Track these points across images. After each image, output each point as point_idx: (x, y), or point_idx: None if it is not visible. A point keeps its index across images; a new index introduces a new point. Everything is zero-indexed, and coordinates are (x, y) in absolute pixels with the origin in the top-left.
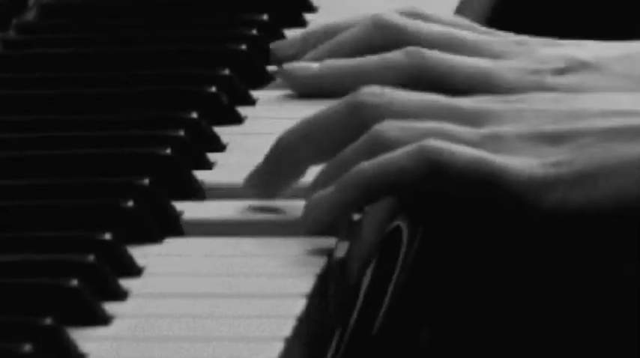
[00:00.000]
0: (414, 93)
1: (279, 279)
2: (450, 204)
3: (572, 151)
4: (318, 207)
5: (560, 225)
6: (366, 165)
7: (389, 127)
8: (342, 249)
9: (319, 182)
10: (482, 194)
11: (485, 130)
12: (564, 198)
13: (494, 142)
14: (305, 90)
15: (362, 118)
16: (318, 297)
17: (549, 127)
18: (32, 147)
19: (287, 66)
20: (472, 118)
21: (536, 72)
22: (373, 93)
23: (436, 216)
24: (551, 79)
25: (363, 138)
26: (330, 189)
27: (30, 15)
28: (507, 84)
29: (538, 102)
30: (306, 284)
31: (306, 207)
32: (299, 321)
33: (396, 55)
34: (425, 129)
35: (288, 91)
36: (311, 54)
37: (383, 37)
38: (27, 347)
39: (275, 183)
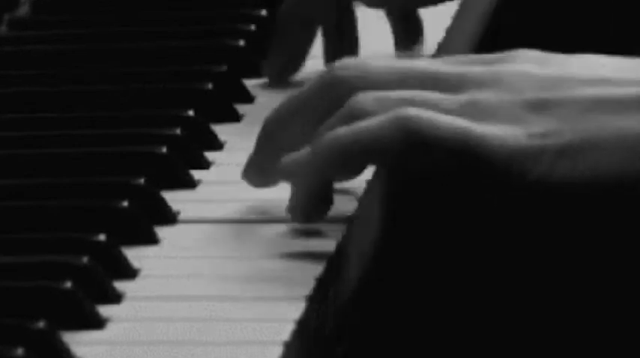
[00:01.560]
0: (390, 61)
1: (277, 282)
2: (428, 175)
3: (557, 121)
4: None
5: (545, 199)
6: (341, 130)
7: (364, 99)
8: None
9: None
10: (463, 164)
11: (464, 97)
12: (550, 170)
13: (474, 110)
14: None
15: (338, 93)
16: (317, 300)
17: (532, 94)
18: (25, 146)
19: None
20: (451, 84)
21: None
22: (347, 66)
23: (410, 188)
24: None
25: (339, 112)
26: (305, 150)
27: (22, 10)
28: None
29: (520, 65)
30: (305, 287)
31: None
32: (298, 325)
33: None
34: (402, 99)
35: (286, 88)
36: None
37: None
38: (19, 352)
39: (268, 171)
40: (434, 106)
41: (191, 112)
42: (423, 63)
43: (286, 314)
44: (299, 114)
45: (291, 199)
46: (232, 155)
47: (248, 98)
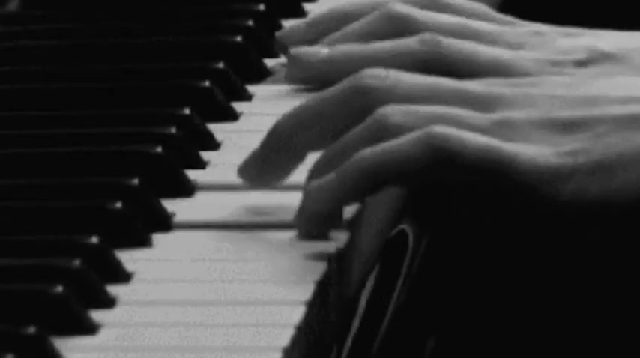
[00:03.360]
0: (420, 75)
1: (276, 285)
2: (458, 195)
3: (588, 140)
4: (318, 196)
5: (575, 218)
6: (368, 152)
7: (393, 112)
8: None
9: (318, 169)
10: (492, 184)
11: (494, 116)
12: (580, 189)
13: (504, 128)
14: (313, 76)
15: (365, 102)
16: (317, 305)
17: (563, 113)
18: (15, 145)
19: (295, 50)
20: (481, 103)
21: (557, 63)
22: (376, 75)
23: (442, 211)
24: (572, 71)
25: (365, 123)
26: (330, 176)
27: (12, 5)
28: (528, 75)
29: (551, 86)
30: (305, 291)
31: (305, 195)
32: (297, 330)
33: (409, 41)
34: (431, 114)
35: (286, 86)
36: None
37: (393, 28)
38: None
39: (272, 171)
40: (464, 124)
41: (187, 111)
42: (453, 81)
43: (285, 319)
44: (319, 118)
45: (301, 214)
46: (229, 155)
47: (246, 96)
